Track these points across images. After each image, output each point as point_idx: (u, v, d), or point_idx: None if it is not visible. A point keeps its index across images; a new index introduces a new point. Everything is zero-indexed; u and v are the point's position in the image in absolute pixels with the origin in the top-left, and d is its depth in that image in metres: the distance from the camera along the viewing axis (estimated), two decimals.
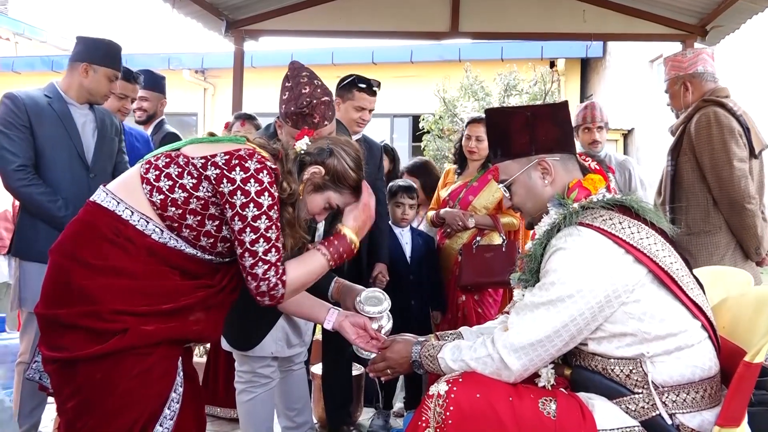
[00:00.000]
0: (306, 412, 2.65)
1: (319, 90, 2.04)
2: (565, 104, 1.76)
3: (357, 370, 3.29)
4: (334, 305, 2.05)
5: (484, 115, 3.21)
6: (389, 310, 1.99)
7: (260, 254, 1.61)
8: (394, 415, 3.33)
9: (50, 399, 3.30)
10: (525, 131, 1.69)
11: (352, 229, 1.83)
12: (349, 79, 2.99)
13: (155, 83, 3.72)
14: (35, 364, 1.79)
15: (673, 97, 2.93)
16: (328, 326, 1.94)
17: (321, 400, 3.10)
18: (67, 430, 1.58)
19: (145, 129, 3.65)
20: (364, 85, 2.95)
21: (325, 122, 2.04)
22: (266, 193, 1.60)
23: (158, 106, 3.73)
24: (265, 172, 1.61)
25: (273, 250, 1.62)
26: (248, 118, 3.76)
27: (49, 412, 3.10)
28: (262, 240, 1.60)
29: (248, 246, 1.60)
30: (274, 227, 1.62)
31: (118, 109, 3.12)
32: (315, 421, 3.09)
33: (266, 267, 1.62)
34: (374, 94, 2.98)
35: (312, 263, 1.76)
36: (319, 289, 2.10)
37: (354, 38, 5.35)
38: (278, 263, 1.65)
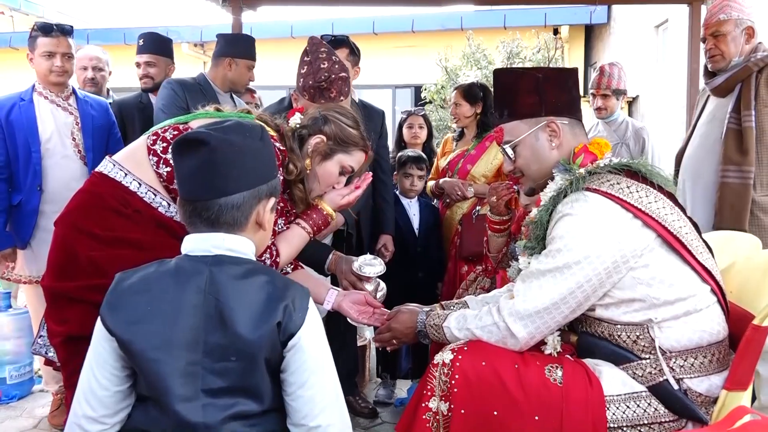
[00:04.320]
0: None
1: (337, 66, 2.09)
2: (575, 70, 1.75)
3: (362, 340, 3.30)
4: (331, 278, 2.06)
5: (466, 83, 3.28)
6: (383, 278, 2.03)
7: None
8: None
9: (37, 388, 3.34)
10: (535, 92, 1.66)
11: (330, 204, 1.85)
12: None
13: (163, 47, 3.47)
14: (41, 339, 1.80)
15: (726, 43, 2.59)
16: (327, 306, 1.93)
17: None
18: None
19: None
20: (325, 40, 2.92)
21: (341, 97, 2.09)
22: None
23: (167, 72, 3.42)
24: None
25: None
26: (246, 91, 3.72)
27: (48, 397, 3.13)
28: None
29: None
30: None
31: (49, 70, 2.83)
32: None
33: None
34: (337, 46, 2.85)
35: (297, 240, 1.79)
36: (316, 261, 2.11)
37: (353, 5, 5.24)
38: (273, 246, 1.67)
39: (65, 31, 2.89)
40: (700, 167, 2.71)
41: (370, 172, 1.95)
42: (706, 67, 2.76)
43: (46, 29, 2.86)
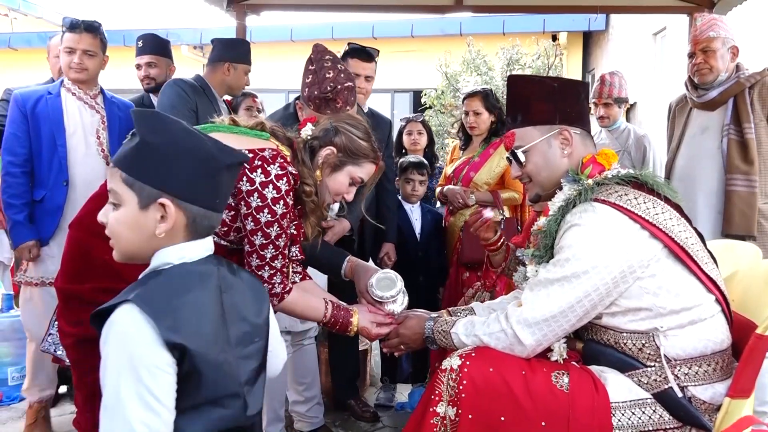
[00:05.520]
0: (315, 387, 2.69)
1: (342, 75, 2.06)
2: (587, 84, 1.81)
3: (363, 344, 3.32)
4: (346, 283, 2.06)
5: (478, 89, 3.30)
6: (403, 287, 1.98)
7: (268, 259, 1.66)
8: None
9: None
10: (550, 100, 1.70)
11: (361, 325, 1.86)
12: (345, 50, 2.98)
13: (163, 48, 3.49)
14: (50, 337, 1.81)
15: (715, 58, 2.76)
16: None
17: (327, 373, 3.14)
18: (85, 404, 1.61)
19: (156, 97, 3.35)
20: (357, 52, 2.92)
21: (347, 107, 2.07)
22: (281, 202, 1.62)
23: (167, 73, 3.45)
24: (284, 179, 1.62)
25: (280, 257, 1.68)
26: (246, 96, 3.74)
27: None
28: (271, 246, 1.65)
29: (258, 249, 1.65)
30: (284, 235, 1.66)
31: (68, 66, 2.78)
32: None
33: (272, 272, 1.68)
34: (369, 60, 2.92)
35: (312, 306, 1.81)
36: (332, 267, 2.12)
37: (356, 12, 5.27)
38: (284, 269, 1.70)
39: (90, 29, 2.82)
40: (697, 177, 2.83)
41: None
42: (691, 80, 2.91)
43: (72, 25, 2.82)
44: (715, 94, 2.80)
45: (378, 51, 2.99)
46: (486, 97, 3.26)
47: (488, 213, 2.08)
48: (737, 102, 2.73)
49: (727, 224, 2.71)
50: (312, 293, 1.86)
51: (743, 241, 2.13)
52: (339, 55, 2.96)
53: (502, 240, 2.27)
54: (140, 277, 1.24)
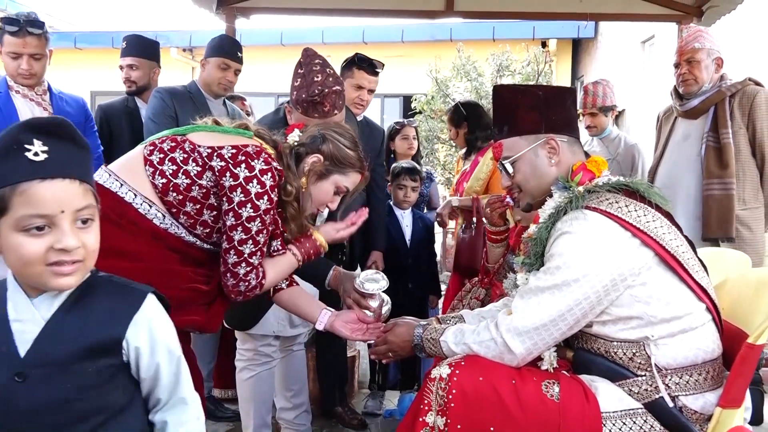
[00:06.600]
0: (303, 394, 2.66)
1: (330, 79, 2.06)
2: (574, 90, 1.80)
3: (351, 351, 3.30)
4: (330, 293, 2.06)
5: (451, 106, 3.36)
6: (387, 294, 2.02)
7: (246, 255, 1.63)
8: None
9: None
10: (535, 110, 1.69)
11: (325, 236, 1.87)
12: (351, 58, 2.96)
13: (147, 50, 3.40)
14: None
15: (700, 69, 2.84)
16: (320, 327, 1.93)
17: (314, 380, 3.10)
18: None
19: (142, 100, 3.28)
20: (364, 64, 2.91)
21: (335, 111, 2.06)
22: (265, 197, 1.59)
23: (151, 76, 3.35)
24: (269, 174, 1.60)
25: (258, 253, 1.65)
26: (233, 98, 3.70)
27: None
28: (250, 242, 1.62)
29: (236, 244, 1.61)
30: (264, 231, 1.64)
31: (15, 71, 2.60)
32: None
33: (249, 269, 1.64)
34: (375, 74, 2.93)
35: (285, 265, 1.80)
36: (317, 277, 2.10)
37: (347, 16, 5.26)
38: (260, 266, 1.67)
39: (33, 28, 2.59)
40: (678, 183, 2.91)
41: (366, 208, 1.97)
42: (676, 90, 2.98)
43: (13, 26, 2.57)
44: (696, 102, 2.87)
45: (383, 64, 2.97)
46: (451, 114, 3.35)
47: (510, 200, 2.10)
48: (717, 110, 2.80)
49: (705, 228, 2.77)
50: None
51: (732, 249, 2.13)
52: (343, 63, 2.96)
53: (507, 235, 2.27)
54: (100, 276, 1.18)
